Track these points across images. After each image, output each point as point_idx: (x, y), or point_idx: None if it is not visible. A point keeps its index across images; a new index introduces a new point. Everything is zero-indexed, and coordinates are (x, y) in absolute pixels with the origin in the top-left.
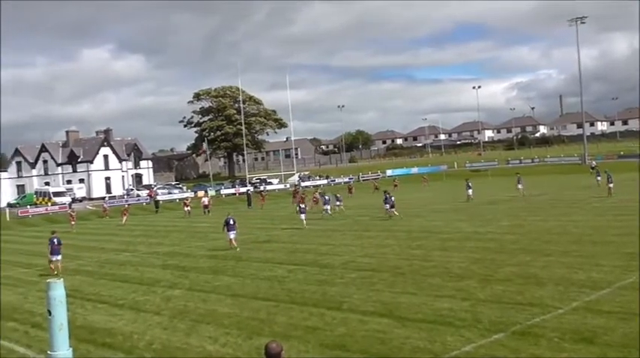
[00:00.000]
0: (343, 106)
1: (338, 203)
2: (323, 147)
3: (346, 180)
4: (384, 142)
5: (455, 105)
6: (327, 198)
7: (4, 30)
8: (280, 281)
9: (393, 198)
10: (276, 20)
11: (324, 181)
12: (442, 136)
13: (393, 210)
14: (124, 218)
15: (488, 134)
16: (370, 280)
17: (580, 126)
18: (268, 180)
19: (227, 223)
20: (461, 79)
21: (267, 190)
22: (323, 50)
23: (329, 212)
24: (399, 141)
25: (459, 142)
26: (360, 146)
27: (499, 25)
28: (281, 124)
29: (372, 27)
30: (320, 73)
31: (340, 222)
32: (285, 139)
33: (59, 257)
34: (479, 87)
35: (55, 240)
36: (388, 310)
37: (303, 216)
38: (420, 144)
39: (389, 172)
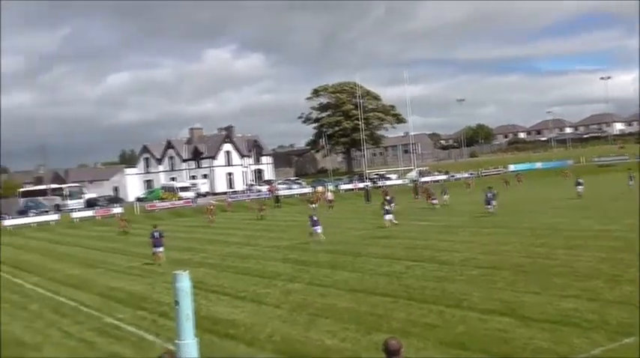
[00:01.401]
0: (463, 100)
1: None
2: (442, 141)
3: (466, 175)
4: (506, 136)
5: (581, 97)
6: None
7: (135, 33)
8: (398, 277)
9: (494, 193)
10: (393, 16)
11: (444, 176)
12: (568, 129)
13: (490, 206)
14: (263, 212)
15: (619, 127)
16: (491, 278)
17: None
18: (386, 176)
19: (311, 219)
20: (587, 70)
21: (387, 186)
22: (441, 44)
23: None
24: (521, 135)
25: (585, 136)
26: (481, 140)
27: (630, 12)
28: (399, 119)
29: (492, 18)
30: (439, 66)
31: (459, 219)
32: (403, 134)
33: (161, 248)
34: (608, 77)
35: (157, 233)
36: (510, 309)
37: (387, 217)
38: (544, 138)
39: (511, 167)
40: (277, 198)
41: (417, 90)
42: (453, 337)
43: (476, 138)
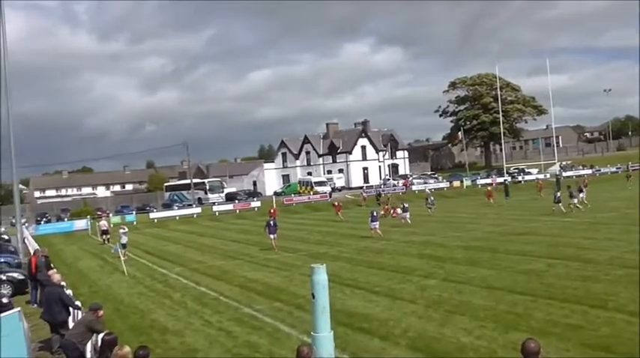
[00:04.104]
0: (610, 90)
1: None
2: (587, 134)
3: (613, 169)
4: None
5: None
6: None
7: (275, 31)
8: (539, 275)
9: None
10: (537, 3)
11: (588, 171)
12: None
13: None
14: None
15: None
16: None
17: None
18: (527, 170)
19: (372, 214)
20: None
21: (526, 180)
22: (588, 31)
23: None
24: None
25: None
26: (630, 133)
27: None
28: (540, 111)
29: None
30: (583, 55)
31: (604, 215)
32: (545, 127)
33: (275, 235)
34: None
35: (272, 223)
36: None
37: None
38: None
39: None
40: (378, 196)
41: (561, 81)
42: (597, 339)
43: (624, 130)
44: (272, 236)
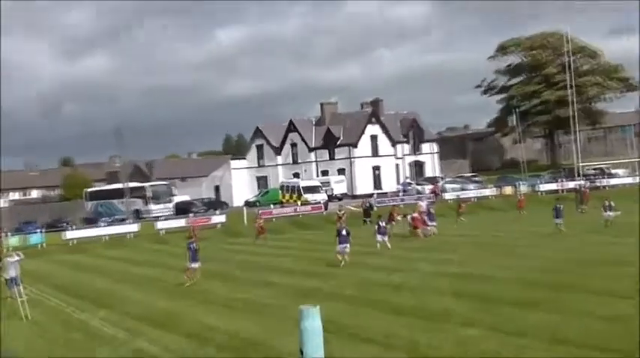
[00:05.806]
0: None
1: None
2: None
3: None
4: None
5: None
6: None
7: None
8: (626, 322)
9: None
10: None
11: None
12: None
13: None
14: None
15: None
16: None
17: None
18: (611, 171)
19: (339, 234)
20: None
21: (611, 185)
22: None
23: None
24: None
25: None
26: None
27: None
28: (630, 86)
29: None
30: None
31: None
32: (635, 109)
33: (198, 264)
34: None
35: (192, 247)
36: None
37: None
38: None
39: None
40: (367, 210)
41: None
42: None
43: None
44: (193, 265)
